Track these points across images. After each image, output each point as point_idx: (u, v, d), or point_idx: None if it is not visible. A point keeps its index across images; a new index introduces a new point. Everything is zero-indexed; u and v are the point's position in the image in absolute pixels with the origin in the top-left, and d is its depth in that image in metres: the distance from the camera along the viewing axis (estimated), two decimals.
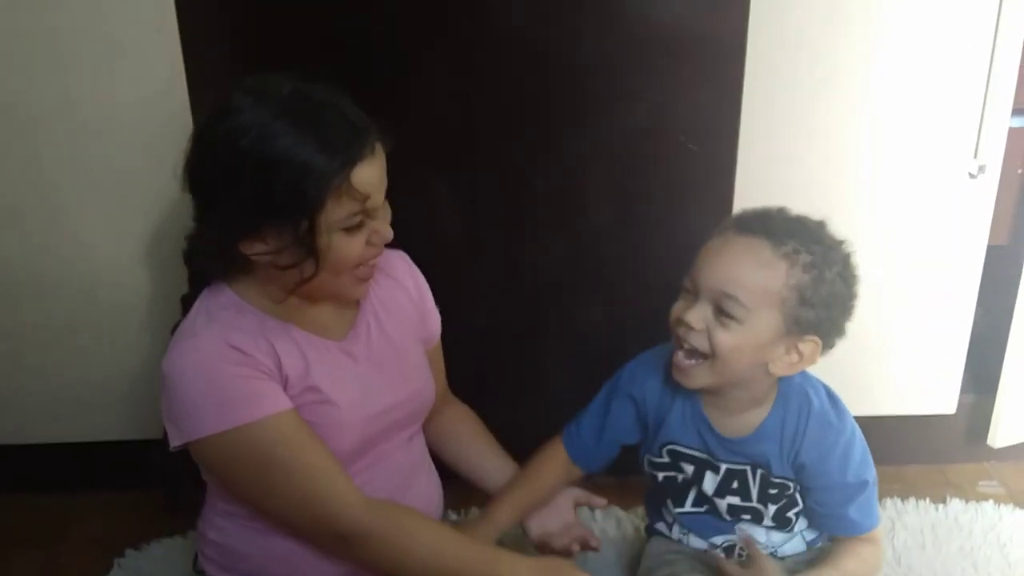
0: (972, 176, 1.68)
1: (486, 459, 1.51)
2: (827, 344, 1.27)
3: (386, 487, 1.30)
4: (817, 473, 1.32)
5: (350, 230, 1.17)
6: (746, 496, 1.36)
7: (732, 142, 1.64)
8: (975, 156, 1.66)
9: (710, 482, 1.37)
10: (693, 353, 1.26)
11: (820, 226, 1.27)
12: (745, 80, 1.61)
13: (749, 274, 1.22)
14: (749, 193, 1.65)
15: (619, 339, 1.78)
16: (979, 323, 1.83)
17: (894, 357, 1.83)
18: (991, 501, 1.86)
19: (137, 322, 1.75)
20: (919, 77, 1.63)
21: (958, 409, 1.90)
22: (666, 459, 1.39)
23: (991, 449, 1.93)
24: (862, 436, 1.35)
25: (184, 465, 1.24)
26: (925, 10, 1.59)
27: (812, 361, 1.27)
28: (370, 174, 1.15)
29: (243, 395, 1.16)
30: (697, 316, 1.24)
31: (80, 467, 1.89)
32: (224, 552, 1.31)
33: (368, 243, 1.20)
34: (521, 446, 1.83)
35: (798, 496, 1.37)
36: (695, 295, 1.26)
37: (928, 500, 1.84)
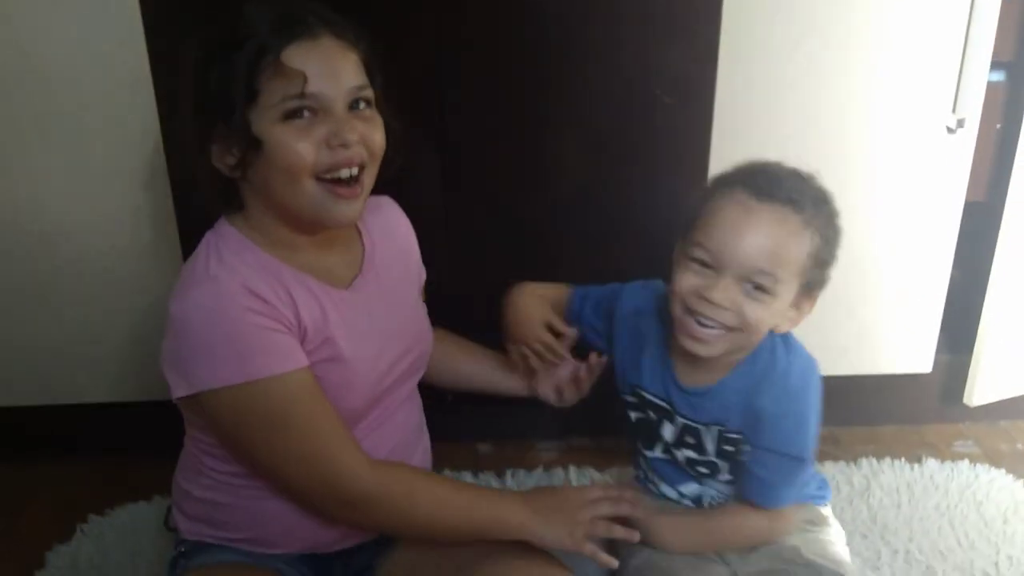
0: (950, 131, 1.66)
1: (494, 370, 1.52)
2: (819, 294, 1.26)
3: (393, 448, 1.28)
4: (760, 432, 1.27)
5: (290, 118, 1.09)
6: (702, 451, 1.34)
7: (709, 96, 1.62)
8: (953, 110, 1.65)
9: (668, 432, 1.35)
10: (716, 324, 1.21)
11: (814, 181, 1.24)
12: (722, 33, 1.58)
13: (784, 247, 1.18)
14: (725, 147, 1.63)
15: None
16: (956, 281, 1.82)
17: (870, 315, 1.82)
18: (966, 460, 1.86)
19: (98, 282, 1.71)
20: (897, 31, 1.61)
21: (934, 368, 1.89)
22: (634, 400, 1.38)
23: (967, 408, 1.93)
24: (817, 414, 1.27)
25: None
26: None
27: (807, 314, 1.26)
28: (306, 56, 1.09)
29: (263, 347, 1.10)
30: (724, 295, 1.19)
31: (39, 433, 1.86)
32: (214, 509, 1.26)
33: (327, 145, 1.11)
34: (493, 410, 1.82)
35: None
36: (716, 269, 1.19)
37: (904, 460, 1.84)
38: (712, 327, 1.21)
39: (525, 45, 1.60)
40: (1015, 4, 1.64)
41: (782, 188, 1.18)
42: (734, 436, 1.31)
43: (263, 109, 1.09)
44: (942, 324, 1.85)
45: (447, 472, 1.81)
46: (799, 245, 1.18)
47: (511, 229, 1.74)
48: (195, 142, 1.13)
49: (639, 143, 1.67)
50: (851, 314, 1.80)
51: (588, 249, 1.76)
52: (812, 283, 1.22)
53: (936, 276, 1.80)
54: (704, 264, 1.21)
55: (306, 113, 1.10)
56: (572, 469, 1.84)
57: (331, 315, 1.18)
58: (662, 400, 1.34)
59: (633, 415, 1.40)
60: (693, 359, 1.27)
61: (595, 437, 1.95)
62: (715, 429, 1.31)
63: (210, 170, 1.14)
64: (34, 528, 1.70)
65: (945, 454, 1.90)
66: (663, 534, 1.34)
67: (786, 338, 1.29)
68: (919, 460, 1.84)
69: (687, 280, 1.22)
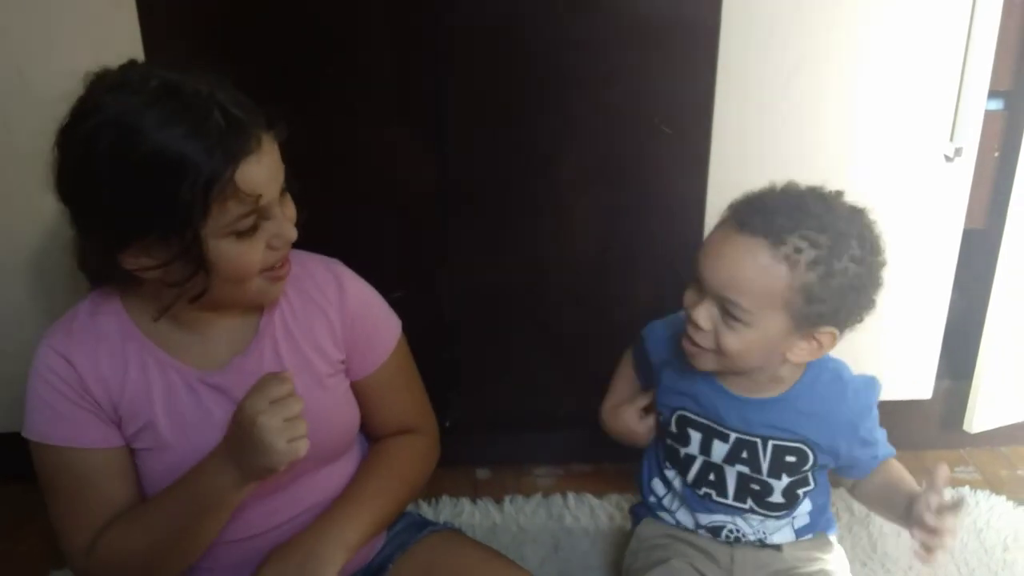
0: (948, 159, 1.67)
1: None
2: (848, 328, 1.25)
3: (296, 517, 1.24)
4: (855, 432, 1.33)
5: (243, 235, 1.05)
6: (755, 467, 1.33)
7: (706, 125, 1.62)
8: (951, 139, 1.65)
9: (719, 450, 1.34)
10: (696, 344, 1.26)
11: (828, 206, 1.21)
12: (719, 62, 1.58)
13: (748, 279, 1.19)
14: (723, 176, 1.64)
15: (595, 326, 1.77)
16: (955, 308, 1.82)
17: (869, 342, 1.80)
18: (967, 487, 1.85)
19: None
20: (895, 59, 1.61)
21: (934, 395, 1.88)
22: (674, 429, 1.37)
23: (967, 435, 1.92)
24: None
25: None
26: None
27: (831, 347, 1.26)
28: (258, 171, 1.03)
29: (51, 414, 1.13)
30: (704, 315, 1.23)
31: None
32: None
33: (269, 247, 1.09)
34: (492, 436, 1.83)
35: (812, 475, 1.35)
36: (702, 290, 1.23)
37: None
38: (695, 345, 1.26)
39: (523, 73, 1.60)
40: (1012, 33, 1.64)
41: (767, 219, 1.18)
42: (795, 446, 1.31)
43: (211, 228, 1.03)
44: (942, 350, 1.84)
45: (445, 498, 1.81)
46: (769, 278, 1.18)
47: (507, 255, 1.74)
48: (101, 241, 1.06)
49: (638, 172, 1.67)
50: (850, 341, 1.76)
51: (585, 277, 1.76)
52: (812, 318, 1.20)
53: (935, 303, 1.79)
54: (697, 284, 1.24)
55: (256, 222, 1.07)
56: (571, 495, 1.83)
57: (164, 400, 1.15)
58: (710, 420, 1.34)
59: (668, 441, 1.40)
60: (742, 383, 1.31)
61: (594, 463, 1.95)
62: (771, 444, 1.32)
63: (106, 261, 1.08)
64: (31, 552, 1.69)
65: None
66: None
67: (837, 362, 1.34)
68: (919, 486, 1.83)
69: (686, 296, 1.26)
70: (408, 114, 1.62)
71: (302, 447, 1.04)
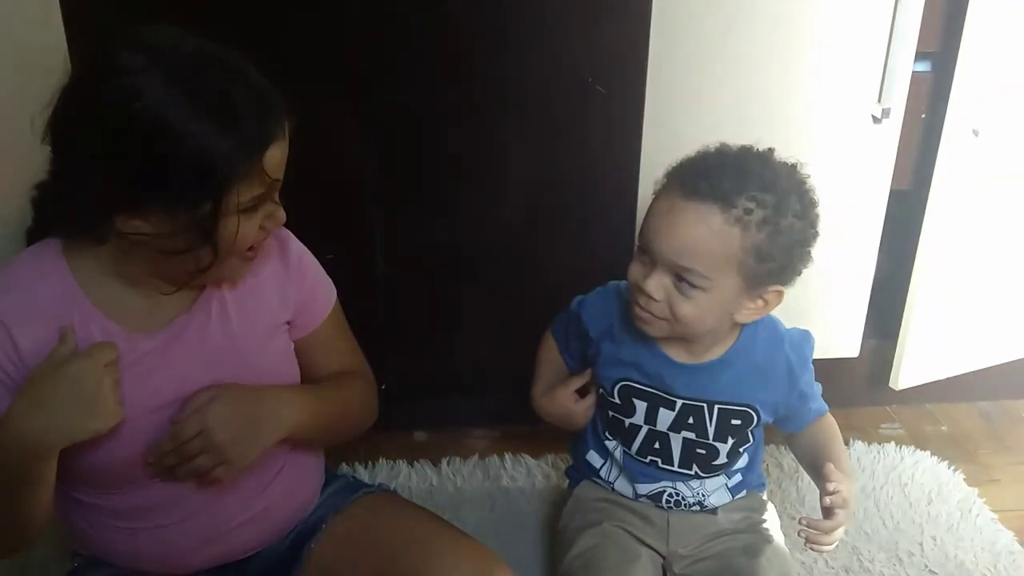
0: (876, 120, 1.69)
1: None
2: (790, 283, 1.26)
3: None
4: (795, 384, 1.35)
5: (246, 213, 1.04)
6: (702, 432, 1.34)
7: (640, 83, 1.62)
8: (879, 100, 1.67)
9: (665, 418, 1.35)
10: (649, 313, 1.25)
11: (767, 165, 1.22)
12: (652, 22, 1.58)
13: (702, 245, 1.18)
14: (657, 136, 1.64)
15: (530, 287, 1.77)
16: (881, 267, 1.85)
17: (798, 301, 1.83)
18: (893, 443, 1.90)
19: None
20: (825, 21, 1.63)
21: (861, 353, 1.93)
22: (617, 399, 1.37)
23: (893, 392, 1.96)
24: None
25: None
26: None
27: (777, 304, 1.27)
28: (280, 155, 1.05)
29: None
30: (656, 285, 1.21)
31: None
32: (89, 538, 1.22)
33: (261, 227, 1.09)
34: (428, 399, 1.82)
35: (752, 432, 1.37)
36: (651, 261, 1.22)
37: None
38: (649, 314, 1.24)
39: (455, 31, 1.59)
40: None
41: (713, 184, 1.17)
42: (740, 409, 1.33)
43: (230, 205, 1.02)
44: (868, 309, 1.88)
45: (382, 461, 1.81)
46: (723, 242, 1.18)
47: (441, 218, 1.73)
48: (102, 198, 1.02)
49: (572, 132, 1.67)
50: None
51: (523, 235, 1.76)
52: (762, 276, 1.21)
53: (862, 263, 1.83)
54: (642, 252, 1.24)
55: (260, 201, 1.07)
56: (507, 456, 1.84)
57: None
58: (656, 388, 1.34)
59: (610, 412, 1.39)
60: (686, 347, 1.31)
61: (530, 424, 1.94)
62: (717, 408, 1.33)
63: (94, 218, 1.05)
64: None
65: (872, 437, 1.95)
66: None
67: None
68: (847, 443, 1.87)
69: (632, 269, 1.25)
70: (337, 80, 1.59)
71: (122, 412, 1.05)
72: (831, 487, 1.25)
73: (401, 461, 1.82)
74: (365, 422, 1.37)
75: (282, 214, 1.11)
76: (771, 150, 1.25)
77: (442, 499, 1.73)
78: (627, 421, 1.37)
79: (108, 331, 1.11)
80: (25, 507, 1.07)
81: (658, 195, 1.25)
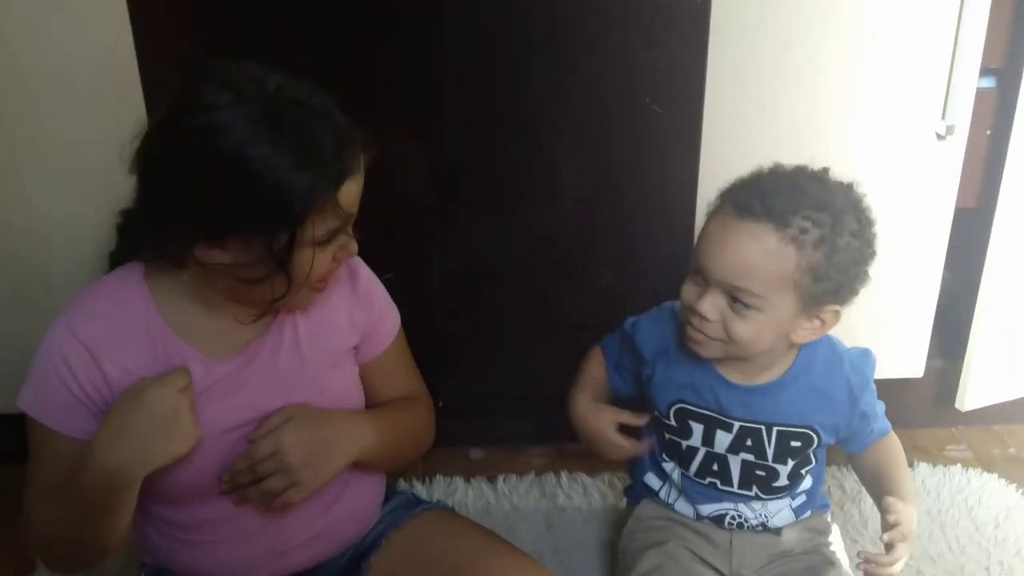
0: (940, 137, 1.66)
1: None
2: (847, 302, 1.24)
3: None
4: (855, 405, 1.33)
5: (320, 245, 1.08)
6: (760, 454, 1.33)
7: (698, 103, 1.62)
8: (943, 117, 1.65)
9: (722, 440, 1.33)
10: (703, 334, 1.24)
11: (822, 184, 1.21)
12: (710, 41, 1.58)
13: (758, 265, 1.17)
14: (715, 156, 1.64)
15: (587, 305, 1.77)
16: (946, 287, 1.82)
17: (861, 321, 1.81)
18: (959, 465, 1.86)
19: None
20: (887, 37, 1.61)
21: (926, 373, 1.89)
22: (673, 422, 1.35)
23: (959, 413, 1.93)
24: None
25: None
26: None
27: (834, 325, 1.25)
28: (355, 190, 1.08)
29: (51, 400, 1.13)
30: (710, 306, 1.21)
31: None
32: (160, 552, 1.26)
33: (334, 258, 1.13)
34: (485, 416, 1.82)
35: (814, 453, 1.35)
36: (705, 282, 1.22)
37: None
38: (703, 335, 1.24)
39: (514, 52, 1.60)
40: (1004, 10, 1.64)
41: (767, 203, 1.17)
42: (800, 431, 1.31)
43: (305, 238, 1.05)
44: (933, 329, 1.85)
45: (439, 478, 1.82)
46: (778, 261, 1.17)
47: (499, 236, 1.74)
48: (185, 229, 1.06)
49: (630, 151, 1.67)
50: (843, 320, 1.78)
51: (578, 257, 1.77)
52: (818, 296, 1.20)
53: (927, 282, 1.80)
54: (697, 276, 1.23)
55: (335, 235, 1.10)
56: (563, 474, 1.84)
57: None
58: (712, 410, 1.33)
59: (666, 435, 1.38)
60: (741, 367, 1.30)
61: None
62: (775, 430, 1.31)
63: (176, 247, 1.09)
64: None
65: (937, 458, 1.91)
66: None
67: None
68: (911, 465, 1.84)
69: (685, 290, 1.25)
70: (395, 100, 1.62)
71: (199, 431, 1.09)
72: (891, 519, 1.23)
73: (458, 478, 1.83)
74: (424, 447, 1.39)
75: (354, 246, 1.14)
76: (826, 169, 1.24)
77: (498, 516, 1.74)
78: (684, 443, 1.36)
79: (186, 356, 1.14)
80: (105, 533, 1.11)
81: (711, 216, 1.24)
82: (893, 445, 1.40)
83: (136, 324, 1.14)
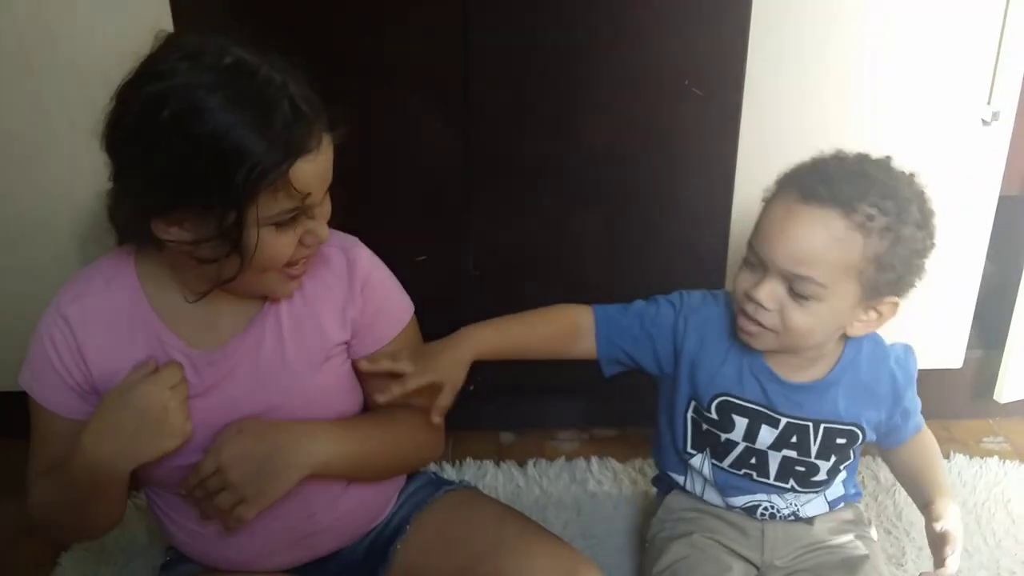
0: (985, 123, 1.63)
1: None
2: (905, 295, 1.22)
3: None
4: (899, 402, 1.32)
5: (281, 226, 1.05)
6: (804, 451, 1.31)
7: (738, 87, 1.59)
8: (988, 102, 1.61)
9: (766, 436, 1.30)
10: (758, 324, 1.21)
11: (886, 170, 1.19)
12: (752, 23, 1.55)
13: (823, 252, 1.14)
14: (754, 140, 1.61)
15: (620, 288, 1.75)
16: (988, 276, 1.79)
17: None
18: (996, 457, 1.84)
19: None
20: (932, 20, 1.57)
21: (965, 364, 1.86)
22: (715, 415, 1.31)
23: (997, 405, 1.90)
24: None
25: None
26: None
27: (891, 317, 1.23)
28: (312, 170, 1.03)
29: (42, 377, 1.15)
30: (768, 294, 1.17)
31: None
32: (180, 541, 1.28)
33: (301, 243, 1.09)
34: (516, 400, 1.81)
35: (854, 450, 1.33)
36: (763, 269, 1.18)
37: None
38: (757, 325, 1.21)
39: (548, 33, 1.57)
40: None
41: (834, 188, 1.14)
42: (846, 428, 1.29)
43: (256, 217, 1.02)
44: (974, 319, 1.82)
45: (469, 461, 1.82)
46: (845, 249, 1.14)
47: (532, 217, 1.72)
48: (138, 202, 1.04)
49: (667, 134, 1.64)
50: None
51: (612, 239, 1.75)
52: (880, 286, 1.18)
53: (969, 271, 1.77)
54: (751, 262, 1.20)
55: (296, 216, 1.07)
56: (594, 460, 1.83)
57: None
58: (759, 405, 1.30)
59: (704, 427, 1.34)
60: (790, 361, 1.27)
61: (618, 427, 1.94)
62: (823, 427, 1.29)
63: (135, 222, 1.07)
64: None
65: (974, 450, 1.88)
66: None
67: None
68: (947, 456, 1.81)
69: (740, 278, 1.22)
70: (433, 78, 1.60)
71: (190, 427, 1.10)
72: (938, 527, 1.23)
73: (488, 461, 1.83)
74: (423, 459, 1.36)
75: (324, 231, 1.10)
76: (889, 157, 1.21)
77: (528, 501, 1.73)
78: (723, 436, 1.33)
79: (167, 342, 1.15)
80: (98, 516, 1.18)
81: (771, 201, 1.21)
82: (929, 440, 1.38)
83: (121, 307, 1.14)
